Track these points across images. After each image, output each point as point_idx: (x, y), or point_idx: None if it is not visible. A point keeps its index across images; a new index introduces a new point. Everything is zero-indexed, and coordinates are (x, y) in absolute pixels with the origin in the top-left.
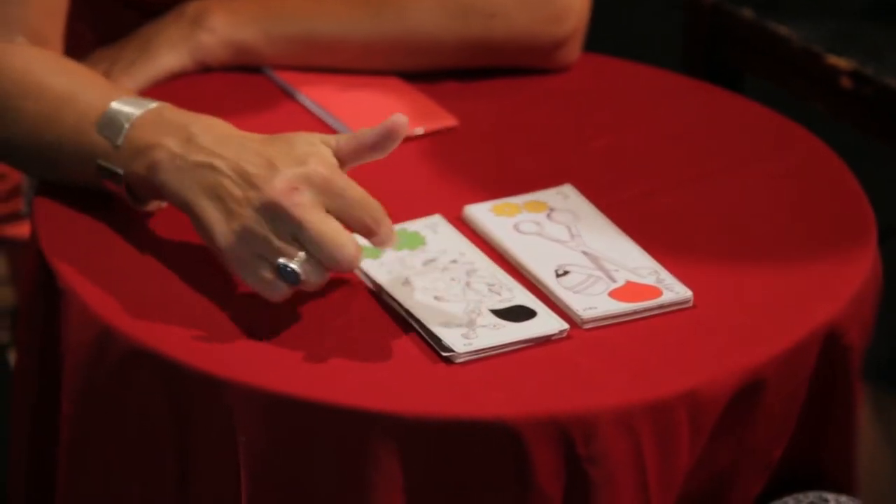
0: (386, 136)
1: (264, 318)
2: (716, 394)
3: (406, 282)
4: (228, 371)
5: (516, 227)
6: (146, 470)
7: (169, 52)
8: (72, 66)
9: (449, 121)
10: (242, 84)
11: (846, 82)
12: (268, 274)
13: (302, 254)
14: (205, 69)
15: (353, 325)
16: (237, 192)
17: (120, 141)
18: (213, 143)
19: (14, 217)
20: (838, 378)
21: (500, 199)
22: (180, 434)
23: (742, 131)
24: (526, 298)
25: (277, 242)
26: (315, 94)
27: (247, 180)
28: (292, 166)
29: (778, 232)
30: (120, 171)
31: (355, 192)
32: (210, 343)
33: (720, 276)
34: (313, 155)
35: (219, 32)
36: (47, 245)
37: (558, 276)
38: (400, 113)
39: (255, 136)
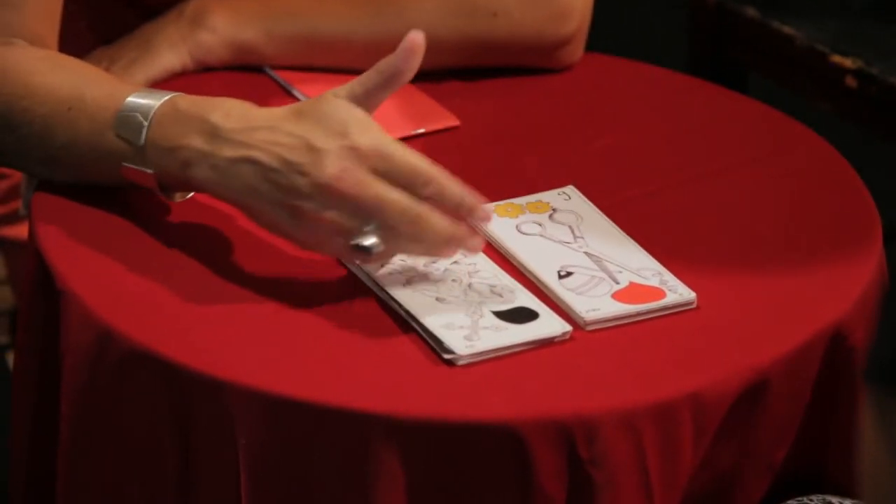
0: (407, 57)
1: (265, 320)
2: (719, 395)
3: (407, 283)
4: (229, 373)
5: (518, 228)
6: (146, 472)
7: (169, 52)
8: (74, 63)
9: (450, 120)
10: (243, 83)
11: (851, 81)
12: (346, 248)
13: (370, 226)
14: (205, 68)
15: (354, 327)
16: (285, 182)
17: (141, 141)
18: (240, 132)
19: (13, 218)
20: (842, 380)
21: (502, 199)
22: (180, 436)
23: (746, 131)
24: (528, 300)
25: (347, 222)
26: (315, 94)
27: (293, 169)
28: (334, 142)
29: (782, 232)
30: (149, 170)
31: (406, 155)
32: (210, 344)
33: (724, 277)
34: (351, 123)
35: (219, 32)
36: (46, 246)
37: (561, 277)
38: (415, 30)
39: (279, 111)
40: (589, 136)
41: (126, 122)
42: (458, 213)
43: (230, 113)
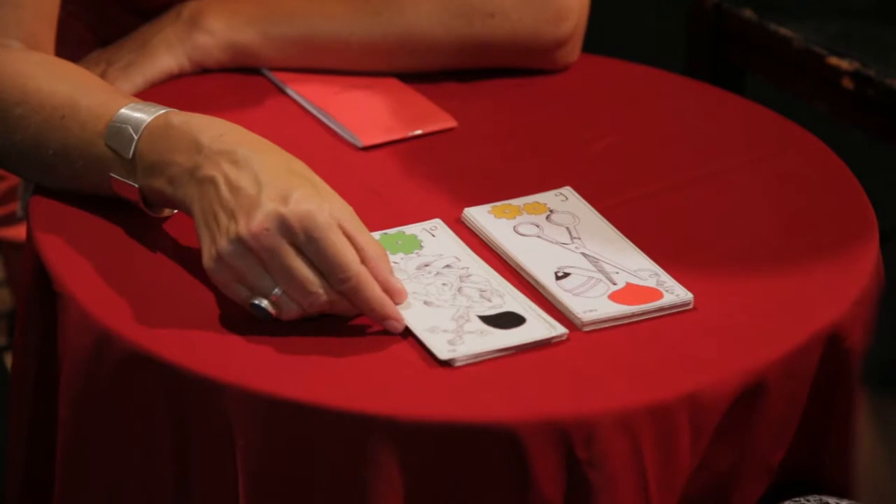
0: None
1: (261, 323)
2: (717, 397)
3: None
4: (226, 374)
5: (516, 230)
6: (144, 473)
7: (166, 54)
8: (71, 70)
9: (448, 122)
10: (240, 85)
11: (848, 83)
12: (246, 301)
13: (277, 290)
14: (202, 70)
15: (350, 329)
16: (223, 219)
17: (130, 154)
18: (219, 154)
19: (10, 219)
20: (839, 381)
21: (499, 201)
22: (178, 437)
23: (743, 133)
24: (516, 305)
25: (254, 279)
26: (313, 96)
27: (232, 209)
28: (276, 203)
29: (779, 234)
30: (133, 182)
31: (337, 245)
32: (208, 346)
33: (721, 278)
34: (312, 196)
35: (216, 34)
36: (44, 248)
37: (558, 278)
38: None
39: (284, 158)
40: (586, 137)
41: (117, 133)
42: (370, 316)
43: (221, 137)
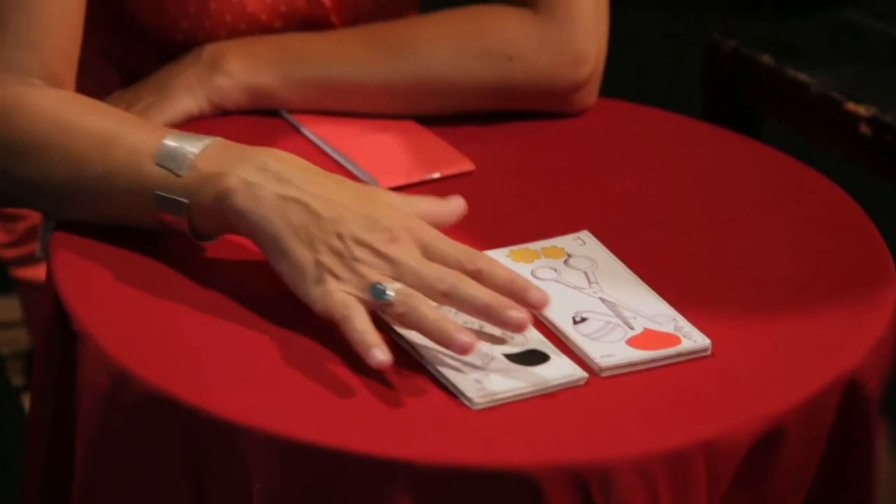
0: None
1: (281, 364)
2: (734, 443)
3: None
4: (243, 417)
5: (534, 273)
6: None
7: (186, 96)
8: (106, 106)
9: (466, 165)
10: (259, 127)
11: (865, 129)
12: (365, 289)
13: (398, 285)
14: (222, 112)
15: (369, 371)
16: (331, 228)
17: (183, 171)
18: (294, 174)
19: (29, 259)
20: (858, 427)
21: (517, 244)
22: (195, 479)
23: (761, 178)
24: (540, 343)
25: (375, 270)
26: (331, 138)
27: (340, 217)
28: (393, 212)
29: (797, 279)
30: (185, 199)
31: (449, 243)
32: (225, 388)
33: (739, 323)
34: (404, 205)
35: (236, 76)
36: (63, 287)
37: (576, 322)
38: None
39: (333, 174)
40: (604, 181)
41: (171, 152)
42: (506, 289)
43: (283, 156)
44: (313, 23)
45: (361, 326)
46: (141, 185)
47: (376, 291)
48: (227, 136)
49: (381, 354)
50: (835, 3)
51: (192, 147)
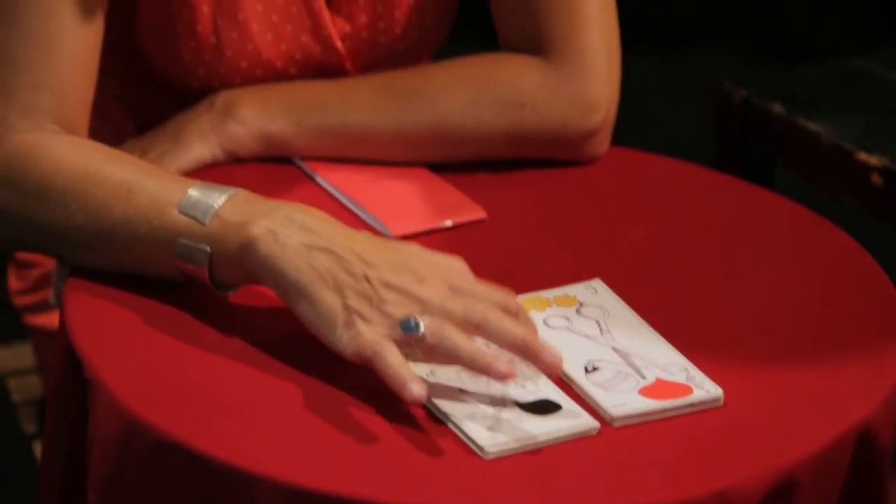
0: None
1: (293, 412)
2: (747, 494)
3: (431, 374)
4: (256, 465)
5: (546, 322)
6: None
7: (199, 143)
8: (125, 155)
9: (478, 212)
10: (271, 174)
11: (877, 179)
12: (394, 326)
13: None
14: (235, 159)
15: (382, 419)
16: (359, 271)
17: (207, 220)
18: (319, 226)
19: (42, 307)
20: (870, 478)
21: (529, 293)
22: None
23: (773, 227)
24: (552, 392)
25: (404, 307)
26: (344, 185)
27: (367, 263)
28: (414, 256)
29: (809, 329)
30: (206, 249)
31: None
32: (238, 436)
33: (751, 373)
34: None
35: (249, 123)
36: (76, 334)
37: (588, 372)
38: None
39: (360, 230)
40: (616, 229)
41: (195, 202)
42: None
43: (308, 211)
44: (328, 69)
45: (394, 361)
46: (163, 232)
47: (406, 325)
48: (239, 184)
49: (417, 388)
50: (846, 53)
51: (216, 197)
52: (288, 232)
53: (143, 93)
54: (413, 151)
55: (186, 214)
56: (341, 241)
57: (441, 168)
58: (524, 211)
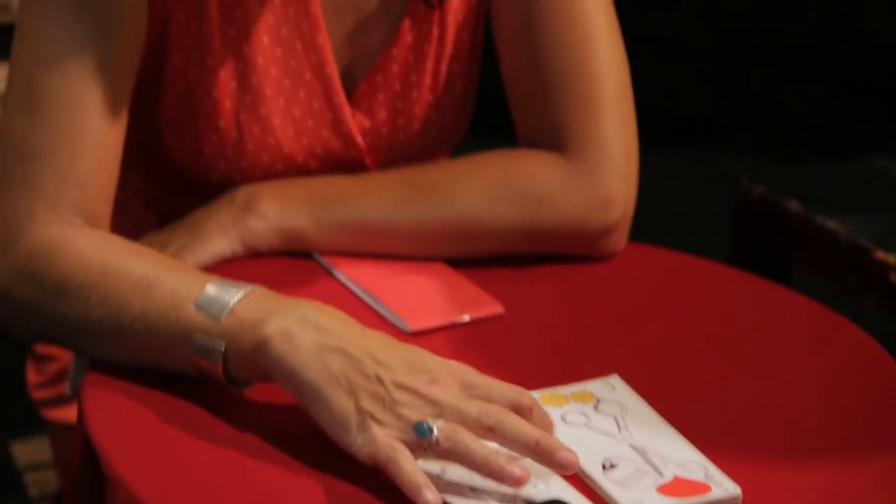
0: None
1: None
2: None
3: (443, 472)
4: None
5: (563, 419)
6: None
7: (219, 237)
8: (145, 249)
9: (495, 308)
10: (290, 268)
11: (894, 277)
12: (407, 430)
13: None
14: (254, 253)
15: None
16: (373, 372)
17: (223, 317)
18: (333, 325)
19: (59, 400)
20: None
21: (546, 388)
22: None
23: (790, 325)
24: (563, 490)
25: (419, 411)
26: (362, 280)
27: (383, 365)
28: (430, 360)
29: (827, 427)
30: (220, 345)
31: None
32: None
33: (770, 471)
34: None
35: (269, 218)
36: (94, 429)
37: (605, 469)
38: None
39: (374, 330)
40: (633, 325)
41: (212, 298)
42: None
43: (324, 309)
44: (348, 164)
45: (408, 467)
46: (180, 328)
47: (420, 428)
48: (258, 278)
49: (431, 496)
50: (864, 151)
51: (233, 294)
52: (302, 332)
53: (162, 185)
54: (432, 247)
55: (203, 310)
56: (355, 341)
57: (459, 263)
58: (542, 306)
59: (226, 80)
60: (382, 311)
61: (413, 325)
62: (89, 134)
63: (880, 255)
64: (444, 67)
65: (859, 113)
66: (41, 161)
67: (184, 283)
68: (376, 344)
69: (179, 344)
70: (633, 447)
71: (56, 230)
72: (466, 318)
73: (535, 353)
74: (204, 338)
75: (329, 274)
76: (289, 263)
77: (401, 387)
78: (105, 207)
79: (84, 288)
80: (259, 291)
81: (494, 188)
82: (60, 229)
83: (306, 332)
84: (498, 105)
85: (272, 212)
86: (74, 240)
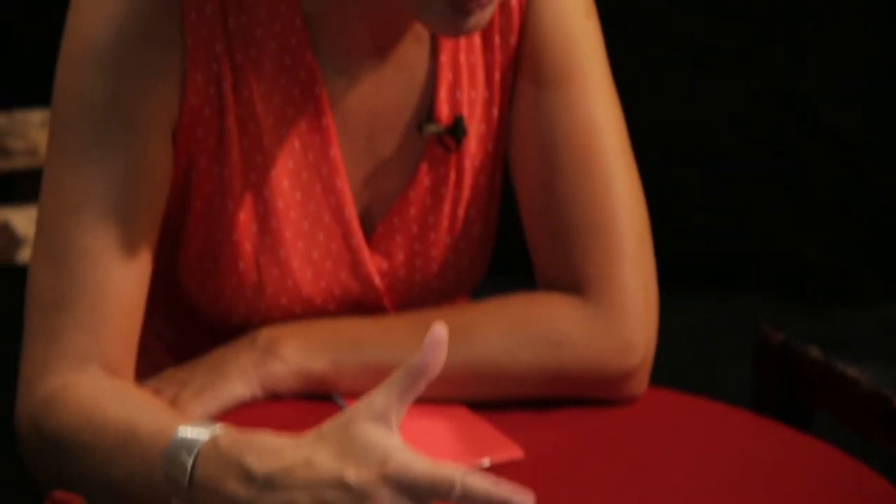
0: (433, 351)
1: None
2: None
3: None
4: None
5: None
6: None
7: (239, 380)
8: (133, 395)
9: (515, 452)
10: (310, 411)
11: None
12: None
13: None
14: (273, 396)
15: None
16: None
17: (185, 482)
18: (277, 474)
19: None
20: None
21: None
22: None
23: (811, 473)
24: None
25: None
26: None
27: None
28: (367, 474)
29: None
30: None
31: (425, 470)
32: None
33: None
34: (377, 450)
35: (290, 362)
36: None
37: None
38: (439, 323)
39: (308, 439)
40: (653, 472)
41: (173, 459)
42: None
43: (263, 453)
44: (366, 306)
45: None
46: (159, 492)
47: None
48: (278, 421)
49: None
50: (885, 298)
51: (190, 448)
52: (257, 498)
53: (181, 328)
54: (450, 389)
55: (169, 474)
56: (305, 485)
57: (478, 406)
58: (561, 450)
59: (246, 224)
60: None
61: None
62: (110, 285)
63: None
64: (461, 211)
65: (878, 260)
66: (60, 312)
67: (151, 442)
68: (320, 473)
69: (162, 500)
70: None
71: (61, 381)
72: (486, 462)
73: (554, 498)
74: (176, 500)
75: None
76: (309, 406)
77: None
78: (127, 354)
79: (75, 447)
80: (210, 445)
81: (514, 332)
82: (65, 380)
83: (260, 497)
84: (517, 246)
85: (294, 356)
86: (73, 392)
